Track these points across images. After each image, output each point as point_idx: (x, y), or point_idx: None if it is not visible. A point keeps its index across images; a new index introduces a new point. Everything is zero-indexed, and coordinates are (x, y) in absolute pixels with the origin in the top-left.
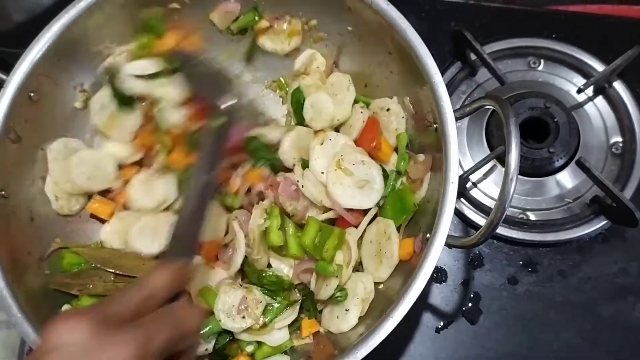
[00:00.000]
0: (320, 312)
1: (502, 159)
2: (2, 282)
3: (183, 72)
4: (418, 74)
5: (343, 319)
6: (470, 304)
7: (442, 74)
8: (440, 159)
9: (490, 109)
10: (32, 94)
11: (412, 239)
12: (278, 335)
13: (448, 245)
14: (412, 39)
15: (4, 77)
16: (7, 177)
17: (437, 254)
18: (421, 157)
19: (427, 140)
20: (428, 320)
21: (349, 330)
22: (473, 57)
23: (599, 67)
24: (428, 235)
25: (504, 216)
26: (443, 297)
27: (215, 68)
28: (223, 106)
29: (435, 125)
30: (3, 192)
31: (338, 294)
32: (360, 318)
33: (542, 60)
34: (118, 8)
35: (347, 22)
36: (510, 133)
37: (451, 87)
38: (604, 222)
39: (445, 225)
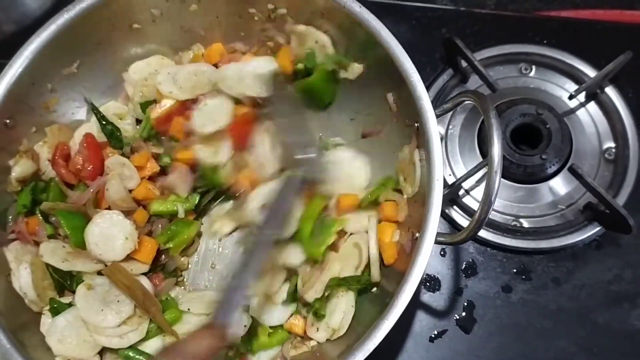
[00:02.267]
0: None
1: None
2: None
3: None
4: (396, 74)
5: (315, 332)
6: (464, 313)
7: (434, 81)
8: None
9: (481, 117)
10: (7, 121)
11: (395, 243)
12: (277, 314)
13: (437, 242)
14: (387, 40)
15: None
16: None
17: (428, 252)
18: (405, 150)
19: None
20: (421, 329)
21: (338, 339)
22: (464, 64)
23: (590, 72)
24: (417, 234)
25: (490, 210)
26: (436, 305)
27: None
28: (301, 157)
29: (416, 125)
30: None
31: (317, 306)
32: (353, 324)
33: (533, 67)
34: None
35: (321, 27)
36: (491, 126)
37: (443, 93)
38: (598, 228)
39: (434, 221)
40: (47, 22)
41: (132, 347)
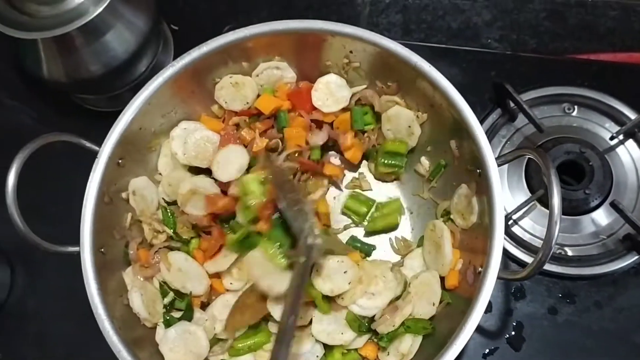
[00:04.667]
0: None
1: (541, 199)
2: (111, 329)
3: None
4: (460, 125)
5: (386, 356)
6: (513, 332)
7: (484, 119)
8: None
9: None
10: (120, 161)
11: (457, 272)
12: (355, 340)
13: (500, 278)
14: (453, 96)
15: (97, 148)
16: (104, 235)
17: (490, 288)
18: (464, 187)
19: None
20: (476, 347)
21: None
22: (512, 104)
23: (629, 112)
24: (480, 269)
25: (550, 254)
26: (489, 325)
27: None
28: (310, 243)
29: (478, 171)
30: (102, 250)
31: (384, 342)
32: (422, 348)
33: (576, 106)
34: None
35: (388, 78)
36: (551, 183)
37: (493, 131)
38: (637, 257)
39: (496, 262)
40: (155, 76)
41: None
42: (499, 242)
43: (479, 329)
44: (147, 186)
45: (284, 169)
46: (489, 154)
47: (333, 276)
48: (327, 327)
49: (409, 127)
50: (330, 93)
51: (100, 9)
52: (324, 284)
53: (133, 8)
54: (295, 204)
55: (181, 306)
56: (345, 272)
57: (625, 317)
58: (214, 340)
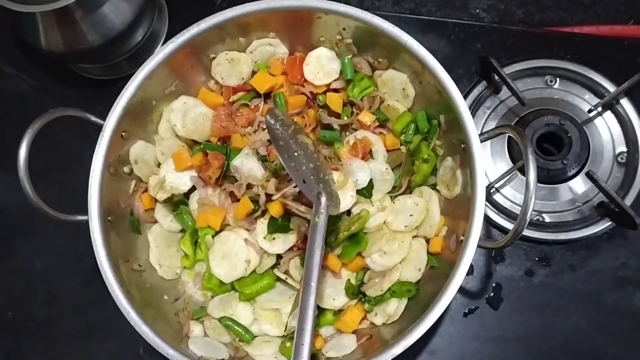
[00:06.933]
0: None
1: (522, 169)
2: (120, 292)
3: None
4: (447, 102)
5: (374, 316)
6: (492, 293)
7: (470, 91)
8: (468, 158)
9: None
10: (123, 133)
11: (441, 238)
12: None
13: (479, 246)
14: (441, 76)
15: (101, 122)
16: (111, 204)
17: (471, 255)
18: (449, 160)
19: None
20: (457, 306)
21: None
22: (497, 77)
23: (607, 85)
24: (462, 237)
25: (526, 224)
26: (470, 286)
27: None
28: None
29: (463, 145)
30: (110, 218)
31: (369, 306)
32: (407, 309)
33: (557, 79)
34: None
35: (379, 54)
36: (528, 160)
37: (478, 103)
38: (609, 223)
39: (476, 232)
40: (155, 52)
41: (230, 318)
42: (480, 213)
43: (461, 290)
44: (146, 150)
45: (290, 122)
46: (473, 131)
47: (401, 214)
48: (323, 291)
49: (403, 89)
50: (321, 66)
51: None
52: (395, 219)
53: None
54: (303, 162)
55: None
56: (411, 215)
57: (596, 279)
58: None
